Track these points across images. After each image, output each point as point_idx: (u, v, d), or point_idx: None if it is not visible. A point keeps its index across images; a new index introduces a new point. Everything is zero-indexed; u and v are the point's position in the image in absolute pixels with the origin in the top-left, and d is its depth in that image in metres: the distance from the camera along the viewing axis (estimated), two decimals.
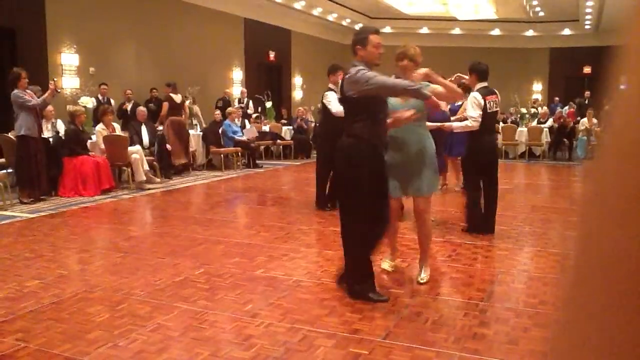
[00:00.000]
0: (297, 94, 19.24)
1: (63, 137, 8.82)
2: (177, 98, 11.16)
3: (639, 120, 0.33)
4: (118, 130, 9.52)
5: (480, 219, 5.89)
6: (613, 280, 0.33)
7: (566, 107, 16.77)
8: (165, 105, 10.99)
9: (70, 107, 9.43)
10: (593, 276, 0.35)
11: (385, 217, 3.99)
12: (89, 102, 10.35)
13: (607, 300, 0.33)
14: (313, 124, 15.30)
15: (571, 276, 0.38)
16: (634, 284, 0.31)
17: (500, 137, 13.56)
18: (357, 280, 3.98)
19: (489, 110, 5.66)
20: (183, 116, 11.30)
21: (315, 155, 7.51)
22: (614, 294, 0.33)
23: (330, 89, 7.16)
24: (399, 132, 4.12)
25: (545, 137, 14.09)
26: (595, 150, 0.36)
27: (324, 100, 7.19)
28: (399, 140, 4.16)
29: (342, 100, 4.18)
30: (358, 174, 3.81)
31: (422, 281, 4.35)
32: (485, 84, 5.77)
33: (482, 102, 5.61)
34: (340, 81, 5.42)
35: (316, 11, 17.29)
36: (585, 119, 14.11)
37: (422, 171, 4.21)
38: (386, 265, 4.71)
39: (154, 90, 12.29)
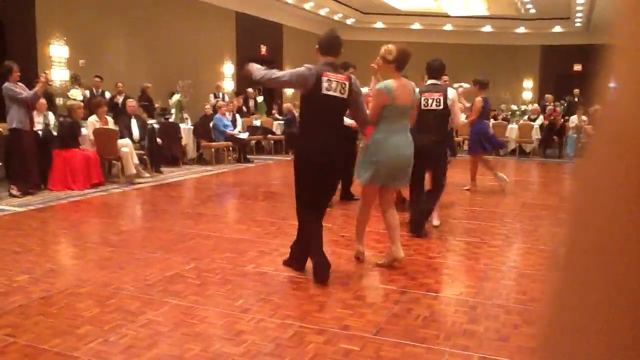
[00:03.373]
0: (289, 89, 19.16)
1: (53, 130, 8.76)
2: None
3: (627, 118, 0.33)
4: (111, 124, 9.44)
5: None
6: (604, 276, 0.33)
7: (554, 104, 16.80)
8: None
9: (68, 102, 9.42)
10: (583, 271, 0.35)
11: None
12: (78, 94, 10.26)
13: (597, 297, 0.34)
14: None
15: (560, 272, 0.38)
16: (625, 280, 0.32)
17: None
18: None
19: (422, 107, 5.43)
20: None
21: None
22: (604, 290, 0.33)
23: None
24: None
25: (536, 135, 14.17)
26: (585, 148, 0.37)
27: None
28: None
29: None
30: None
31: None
32: (433, 81, 5.66)
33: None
34: None
35: (308, 5, 17.24)
36: (575, 117, 14.19)
37: None
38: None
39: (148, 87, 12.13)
